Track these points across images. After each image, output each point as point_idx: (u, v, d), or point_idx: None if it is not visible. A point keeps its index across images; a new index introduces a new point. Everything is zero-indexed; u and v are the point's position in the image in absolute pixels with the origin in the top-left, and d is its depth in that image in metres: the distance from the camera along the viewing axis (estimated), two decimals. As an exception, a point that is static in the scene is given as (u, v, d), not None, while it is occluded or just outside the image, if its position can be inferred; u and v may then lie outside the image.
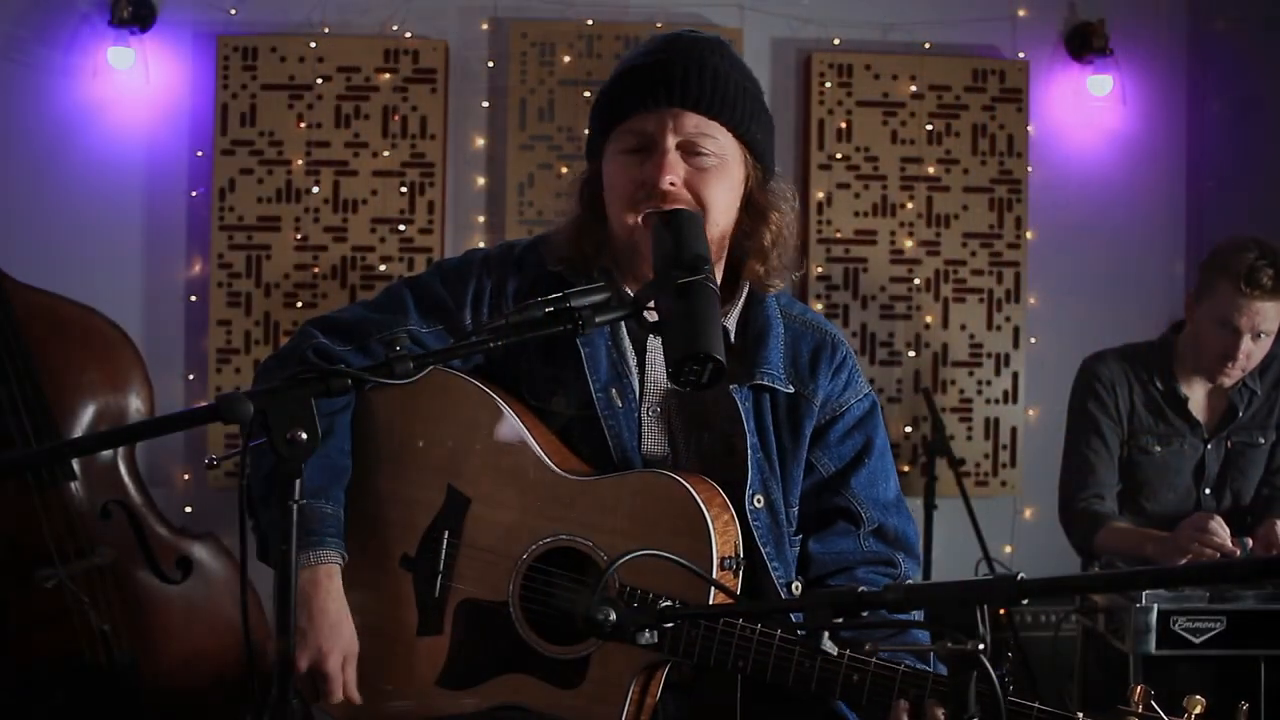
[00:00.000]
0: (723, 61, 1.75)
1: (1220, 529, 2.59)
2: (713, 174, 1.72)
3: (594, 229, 1.80)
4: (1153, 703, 1.40)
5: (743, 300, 1.84)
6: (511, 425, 1.74)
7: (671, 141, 1.70)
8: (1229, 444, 3.00)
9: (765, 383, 1.78)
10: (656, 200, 1.68)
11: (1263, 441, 3.00)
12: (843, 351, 1.87)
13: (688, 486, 1.64)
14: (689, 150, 1.71)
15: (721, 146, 1.73)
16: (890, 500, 1.86)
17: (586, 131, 1.88)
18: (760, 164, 1.79)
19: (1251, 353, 2.84)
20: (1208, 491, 3.00)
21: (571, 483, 1.71)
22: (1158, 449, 2.98)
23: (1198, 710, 1.39)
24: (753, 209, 1.79)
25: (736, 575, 1.69)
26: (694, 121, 1.71)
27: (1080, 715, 1.44)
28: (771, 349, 1.80)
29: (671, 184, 1.69)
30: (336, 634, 1.70)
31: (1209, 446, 2.99)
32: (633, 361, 1.79)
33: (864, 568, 1.81)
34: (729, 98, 1.72)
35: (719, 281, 1.81)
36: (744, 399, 1.77)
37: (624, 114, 1.74)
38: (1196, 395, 3.00)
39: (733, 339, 1.82)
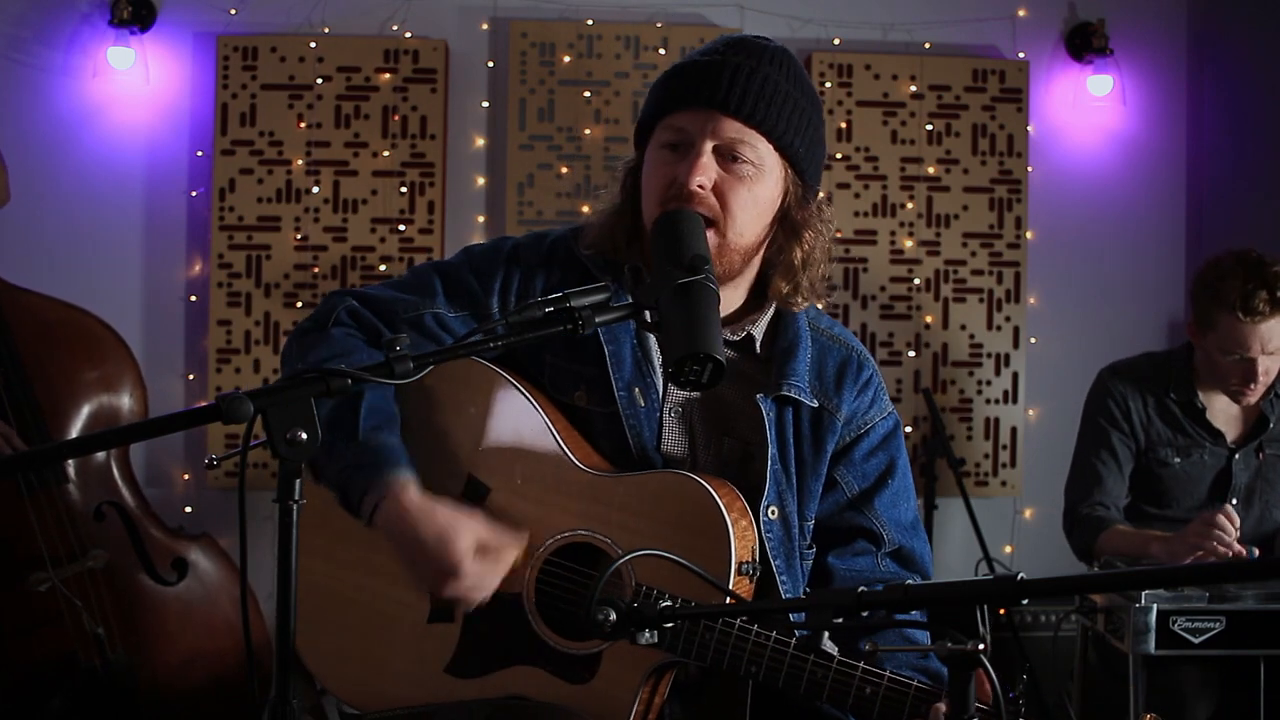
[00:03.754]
0: (777, 71, 1.72)
1: (1229, 523, 2.57)
2: (745, 183, 1.70)
3: (630, 217, 1.79)
4: None
5: (771, 310, 1.83)
6: (535, 417, 1.74)
7: (708, 145, 1.69)
8: (1260, 455, 2.98)
9: (790, 394, 1.77)
10: (683, 200, 1.68)
11: None
12: (869, 369, 1.87)
13: (709, 489, 1.64)
14: (726, 155, 1.70)
15: (760, 156, 1.71)
16: (909, 522, 1.85)
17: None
18: (801, 180, 1.76)
19: (1270, 369, 2.84)
20: (1234, 502, 2.97)
21: (594, 479, 1.70)
22: (1177, 460, 2.96)
23: None
24: (787, 224, 1.77)
25: (752, 581, 1.69)
26: (734, 128, 1.69)
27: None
28: (799, 361, 1.79)
29: (700, 186, 1.68)
30: (455, 532, 1.60)
31: (1237, 457, 2.97)
32: (657, 361, 1.79)
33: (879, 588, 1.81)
34: (774, 108, 1.70)
35: (748, 292, 1.81)
36: (769, 409, 1.76)
37: (668, 109, 1.73)
38: (1217, 405, 2.98)
39: (758, 348, 1.81)
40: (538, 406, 1.74)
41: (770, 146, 1.71)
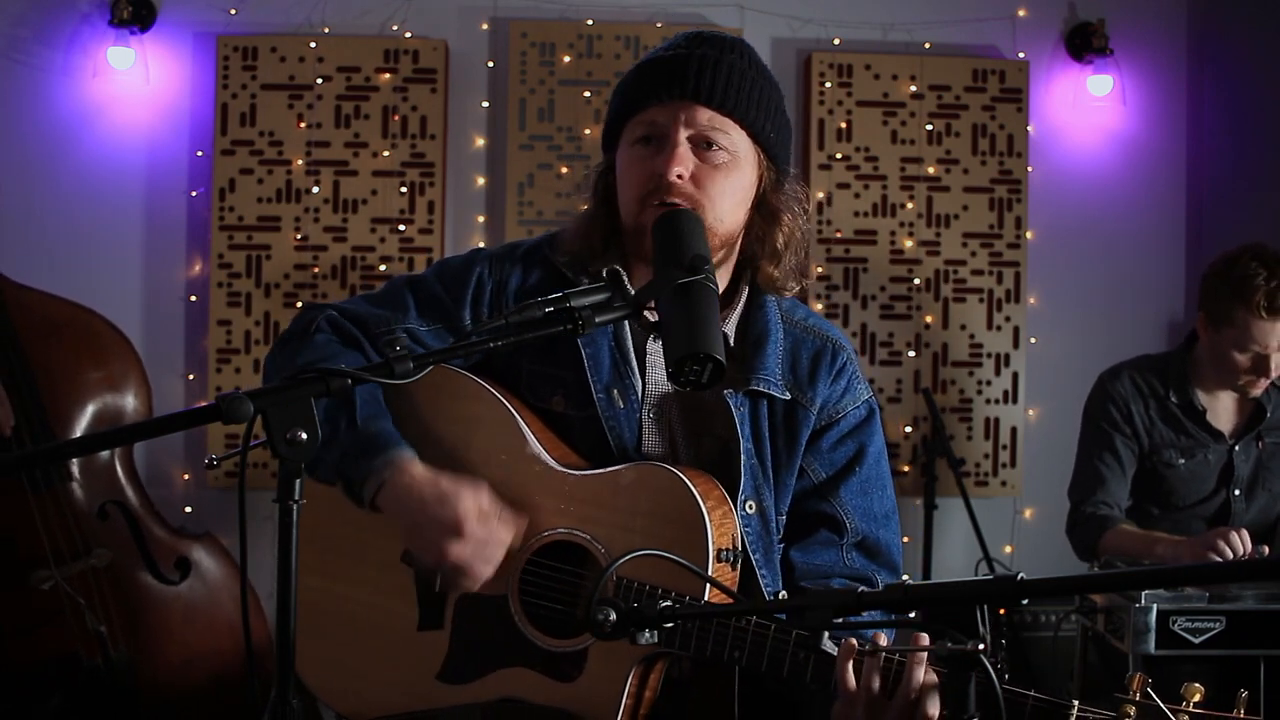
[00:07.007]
0: (741, 60, 1.75)
1: (1241, 543, 2.60)
2: (722, 170, 1.72)
3: (605, 221, 1.80)
4: (1150, 690, 1.40)
5: (742, 304, 1.84)
6: (511, 421, 1.74)
7: (683, 134, 1.70)
8: (1260, 444, 3.00)
9: (761, 389, 1.77)
10: (663, 192, 1.68)
11: None
12: (844, 357, 1.86)
13: (683, 478, 1.65)
14: (701, 144, 1.71)
15: (734, 143, 1.72)
16: (881, 512, 1.83)
17: (599, 125, 1.87)
18: (775, 165, 1.79)
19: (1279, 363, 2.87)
20: (1237, 493, 2.99)
21: (569, 477, 1.71)
22: (1181, 461, 2.98)
23: (1196, 698, 1.39)
24: (765, 210, 1.78)
25: (734, 568, 1.69)
26: (707, 116, 1.71)
27: (1076, 703, 1.44)
28: (769, 355, 1.79)
29: (679, 176, 1.69)
30: (459, 494, 1.63)
31: (1237, 448, 2.98)
32: (635, 363, 1.79)
33: (839, 581, 1.79)
34: (745, 95, 1.72)
35: (725, 283, 1.81)
36: (739, 404, 1.76)
37: (639, 105, 1.74)
38: (1216, 405, 3.00)
39: (731, 343, 1.81)
40: (513, 410, 1.75)
41: (744, 133, 1.73)
